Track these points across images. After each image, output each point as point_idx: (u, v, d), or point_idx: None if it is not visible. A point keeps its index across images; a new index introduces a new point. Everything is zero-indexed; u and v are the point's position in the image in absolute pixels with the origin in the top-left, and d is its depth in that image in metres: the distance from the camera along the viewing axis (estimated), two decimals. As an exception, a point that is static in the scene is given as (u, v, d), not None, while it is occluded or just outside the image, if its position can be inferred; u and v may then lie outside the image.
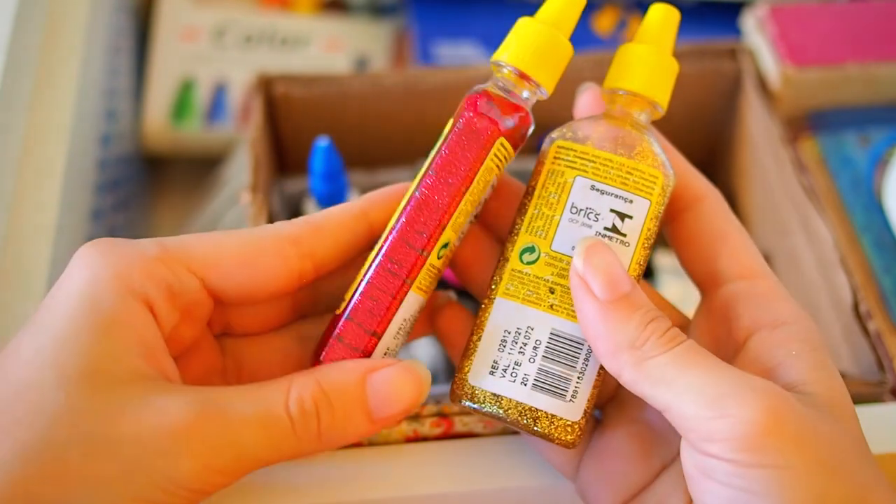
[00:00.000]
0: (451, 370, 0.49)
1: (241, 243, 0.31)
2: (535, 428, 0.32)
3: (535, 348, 0.32)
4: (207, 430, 0.28)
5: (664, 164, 0.34)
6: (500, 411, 0.32)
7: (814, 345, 0.32)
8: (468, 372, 0.32)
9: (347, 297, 0.32)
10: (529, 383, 0.32)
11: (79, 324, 0.28)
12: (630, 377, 0.30)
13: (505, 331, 0.32)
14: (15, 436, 0.27)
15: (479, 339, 0.33)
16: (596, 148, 0.34)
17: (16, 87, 0.46)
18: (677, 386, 0.29)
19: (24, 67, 0.47)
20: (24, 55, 0.47)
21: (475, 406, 0.32)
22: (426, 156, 0.54)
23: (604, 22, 0.63)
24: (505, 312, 0.32)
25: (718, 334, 0.34)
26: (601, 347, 0.31)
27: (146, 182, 0.66)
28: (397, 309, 0.31)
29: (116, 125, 0.57)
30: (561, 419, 0.32)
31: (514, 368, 0.32)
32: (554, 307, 0.32)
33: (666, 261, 0.53)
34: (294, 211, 0.50)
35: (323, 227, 0.32)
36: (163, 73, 0.63)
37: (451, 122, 0.33)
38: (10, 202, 0.43)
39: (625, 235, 0.32)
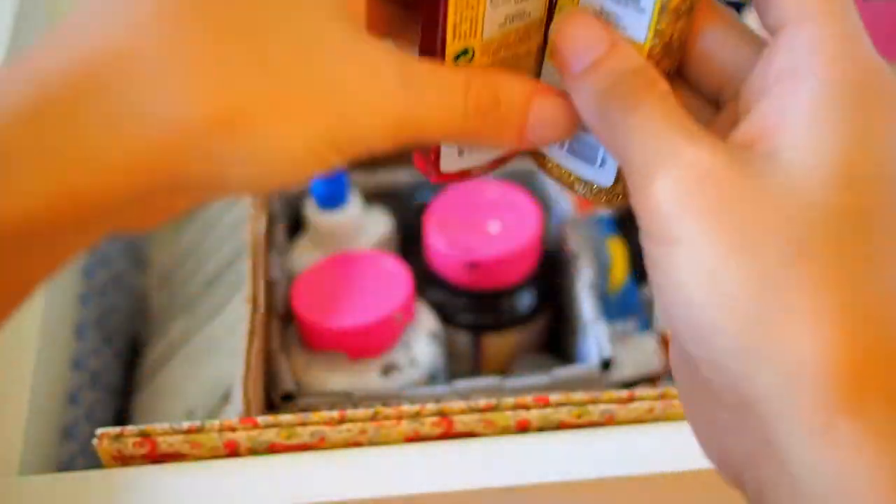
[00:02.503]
0: (451, 370, 0.49)
1: None
2: (576, 189, 0.31)
3: None
4: (399, 101, 0.27)
5: None
6: (547, 172, 0.32)
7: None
8: None
9: None
10: (565, 147, 0.31)
11: None
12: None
13: None
14: None
15: None
16: None
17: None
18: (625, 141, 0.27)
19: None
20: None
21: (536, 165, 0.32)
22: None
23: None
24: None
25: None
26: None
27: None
28: None
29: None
30: (594, 184, 0.31)
31: None
32: None
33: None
34: (294, 211, 0.50)
35: None
36: (163, 73, 0.63)
37: None
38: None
39: None
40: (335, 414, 0.37)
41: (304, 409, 0.41)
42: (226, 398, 0.45)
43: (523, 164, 0.51)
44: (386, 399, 0.41)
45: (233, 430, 0.37)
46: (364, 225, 0.49)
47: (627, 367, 0.48)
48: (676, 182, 0.25)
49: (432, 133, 0.29)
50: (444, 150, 0.34)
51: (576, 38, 0.28)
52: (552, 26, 0.30)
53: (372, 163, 0.53)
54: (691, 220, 0.25)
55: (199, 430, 0.36)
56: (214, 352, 0.46)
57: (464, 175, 0.35)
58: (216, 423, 0.37)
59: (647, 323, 0.50)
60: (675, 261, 0.25)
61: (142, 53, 0.23)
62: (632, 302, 0.50)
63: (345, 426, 0.37)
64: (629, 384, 0.48)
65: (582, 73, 0.28)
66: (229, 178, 0.25)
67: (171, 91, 0.24)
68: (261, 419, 0.37)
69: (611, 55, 0.28)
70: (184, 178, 0.24)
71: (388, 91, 0.27)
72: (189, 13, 0.24)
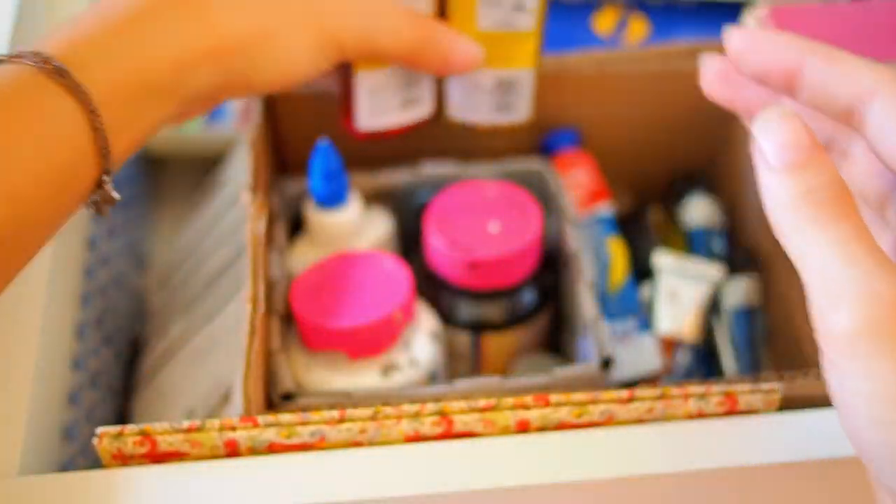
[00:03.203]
0: (451, 370, 0.49)
1: None
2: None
3: None
4: (362, 23, 0.43)
5: None
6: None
7: None
8: None
9: None
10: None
11: None
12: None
13: None
14: None
15: None
16: None
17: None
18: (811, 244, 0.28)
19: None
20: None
21: None
22: (427, 156, 0.54)
23: (604, 22, 0.63)
24: None
25: None
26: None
27: (146, 182, 0.65)
28: None
29: (116, 125, 0.57)
30: None
31: None
32: None
33: (667, 260, 0.53)
34: (295, 212, 0.50)
35: None
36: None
37: None
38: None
39: None
40: (335, 413, 0.37)
41: (304, 409, 0.41)
42: (226, 398, 0.45)
43: (523, 164, 0.51)
44: (386, 399, 0.41)
45: (233, 429, 0.37)
46: (364, 225, 0.49)
47: (627, 366, 0.48)
48: (868, 317, 0.26)
49: (386, 50, 0.44)
50: (360, 110, 0.47)
51: (781, 134, 0.30)
52: (759, 117, 0.31)
53: (372, 163, 0.53)
54: (884, 358, 0.25)
55: (199, 429, 0.36)
56: (214, 352, 0.46)
57: (379, 134, 0.49)
58: (216, 422, 0.37)
59: (646, 323, 0.50)
60: (866, 397, 0.26)
61: None
62: (631, 302, 0.50)
63: (345, 426, 0.37)
64: (629, 384, 0.48)
65: (780, 170, 0.29)
66: (260, 71, 0.40)
67: (228, 13, 0.39)
68: (261, 418, 0.37)
69: (811, 162, 0.29)
70: (234, 66, 0.40)
71: (354, 16, 0.42)
72: None
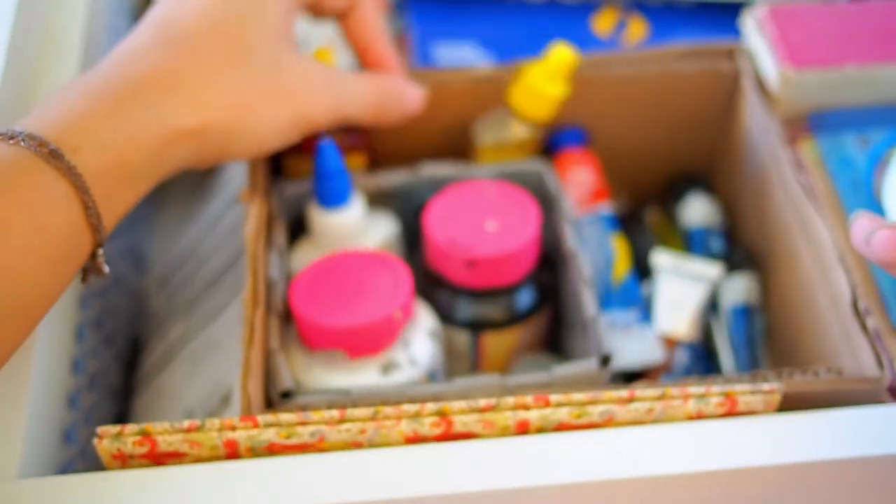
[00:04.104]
0: (450, 369, 0.49)
1: None
2: None
3: None
4: (327, 98, 0.46)
5: None
6: None
7: None
8: None
9: None
10: None
11: None
12: None
13: None
14: None
15: None
16: None
17: (15, 88, 0.46)
18: None
19: (24, 68, 0.47)
20: (24, 56, 0.47)
21: None
22: (427, 158, 0.54)
23: (603, 23, 0.63)
24: None
25: None
26: None
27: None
28: None
29: (116, 126, 0.57)
30: None
31: None
32: None
33: (666, 260, 0.53)
34: (295, 213, 0.50)
35: None
36: (162, 75, 0.63)
37: None
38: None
39: None
40: (335, 413, 0.37)
41: (304, 408, 0.41)
42: (225, 400, 0.45)
43: (522, 165, 0.51)
44: (385, 397, 0.41)
45: (233, 428, 0.37)
46: (368, 226, 0.49)
47: (629, 356, 0.48)
48: None
49: (354, 117, 0.48)
50: None
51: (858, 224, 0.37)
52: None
53: (372, 163, 0.53)
54: None
55: (198, 429, 0.36)
56: (214, 354, 0.46)
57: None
58: (216, 421, 0.37)
59: (647, 315, 0.50)
60: None
61: (191, 73, 0.42)
62: (633, 294, 0.50)
63: (344, 426, 0.37)
64: (630, 374, 0.48)
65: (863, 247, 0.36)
66: (237, 143, 0.43)
67: (211, 93, 0.42)
68: (261, 418, 0.37)
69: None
70: (214, 140, 0.42)
71: (322, 94, 0.46)
72: (211, 54, 0.43)
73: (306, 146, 0.50)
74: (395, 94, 0.49)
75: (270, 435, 0.37)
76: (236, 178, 0.53)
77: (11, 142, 0.37)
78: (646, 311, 0.50)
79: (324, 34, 0.65)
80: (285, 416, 0.37)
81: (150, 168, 0.41)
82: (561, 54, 0.51)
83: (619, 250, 0.51)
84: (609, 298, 0.50)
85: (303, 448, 0.37)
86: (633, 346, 0.48)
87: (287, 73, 0.44)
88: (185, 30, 0.42)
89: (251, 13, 0.44)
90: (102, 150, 0.38)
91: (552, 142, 0.55)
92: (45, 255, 0.36)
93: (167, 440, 0.36)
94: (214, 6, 0.43)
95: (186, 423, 0.36)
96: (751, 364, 0.50)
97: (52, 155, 0.37)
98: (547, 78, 0.51)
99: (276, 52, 0.44)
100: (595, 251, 0.51)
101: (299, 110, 0.45)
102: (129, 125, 0.39)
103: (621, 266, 0.51)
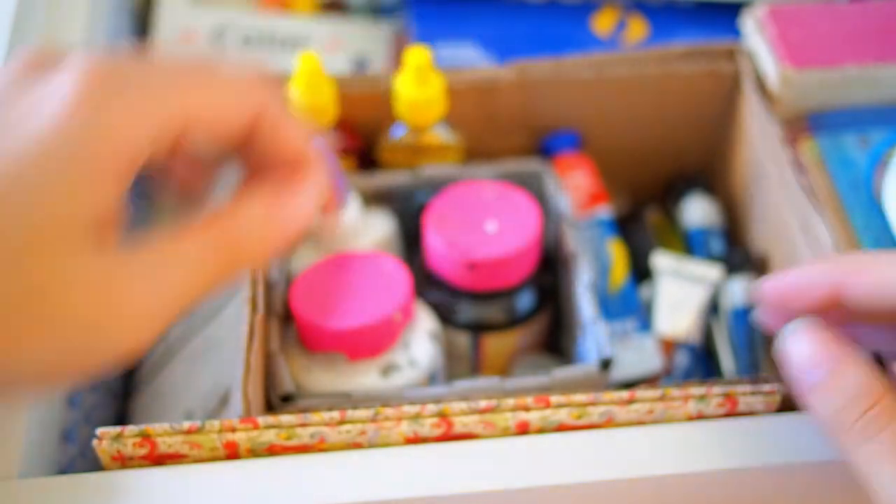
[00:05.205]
0: (450, 371, 0.49)
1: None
2: None
3: None
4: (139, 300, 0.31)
5: None
6: None
7: None
8: None
9: None
10: None
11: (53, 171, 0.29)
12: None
13: None
14: None
15: None
16: None
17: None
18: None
19: (23, 69, 0.47)
20: (23, 56, 0.47)
21: None
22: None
23: (603, 22, 0.63)
24: None
25: None
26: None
27: (145, 183, 0.65)
28: None
29: (115, 126, 0.57)
30: None
31: None
32: None
33: (666, 262, 0.53)
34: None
35: None
36: (162, 74, 0.63)
37: None
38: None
39: None
40: (335, 415, 0.37)
41: (304, 410, 0.41)
42: (225, 400, 0.45)
43: (522, 165, 0.51)
44: (385, 400, 0.41)
45: (233, 430, 0.37)
46: (365, 226, 0.49)
47: (628, 367, 0.48)
48: None
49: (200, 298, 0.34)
50: None
51: (802, 358, 0.33)
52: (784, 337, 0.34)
53: (365, 167, 0.53)
54: None
55: (198, 431, 0.36)
56: (213, 354, 0.46)
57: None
58: (216, 423, 0.37)
59: (646, 323, 0.50)
60: None
61: None
62: (631, 302, 0.50)
63: (345, 427, 0.37)
64: (629, 384, 0.48)
65: (809, 392, 0.32)
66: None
67: None
68: (261, 419, 0.37)
69: (833, 380, 0.32)
70: None
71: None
72: None
73: None
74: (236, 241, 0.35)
75: (270, 436, 0.37)
76: (235, 177, 0.53)
77: None
78: (644, 317, 0.50)
79: (324, 34, 0.65)
80: (286, 418, 0.37)
81: None
82: (414, 56, 0.49)
83: (616, 256, 0.51)
84: (606, 307, 0.50)
85: (303, 449, 0.37)
86: (631, 356, 0.48)
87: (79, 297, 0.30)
88: None
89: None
90: None
91: (545, 147, 0.55)
92: None
93: (167, 442, 0.36)
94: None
95: (186, 425, 0.36)
96: (751, 366, 0.50)
97: None
98: (413, 84, 0.49)
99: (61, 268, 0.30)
100: (592, 257, 0.51)
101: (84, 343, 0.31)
102: None
103: (619, 272, 0.51)
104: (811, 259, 0.36)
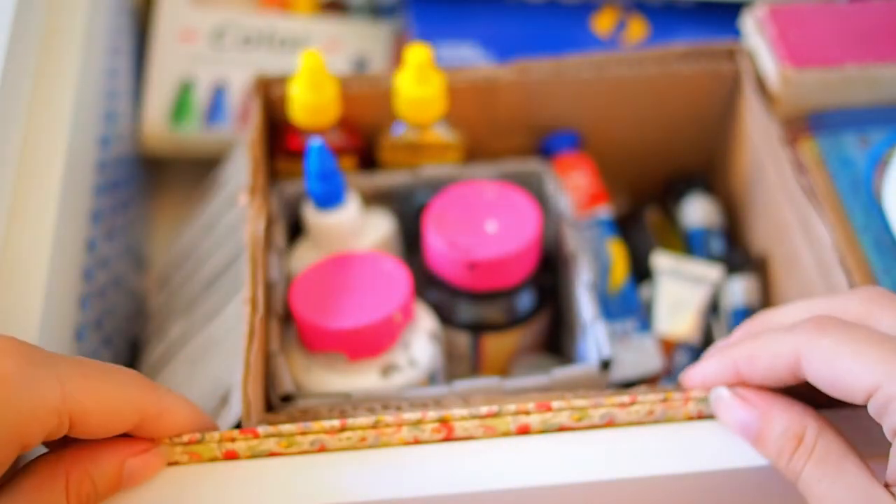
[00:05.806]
0: (450, 371, 0.49)
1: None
2: None
3: None
4: None
5: None
6: None
7: None
8: None
9: None
10: None
11: None
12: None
13: None
14: None
15: None
16: None
17: (14, 88, 0.46)
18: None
19: (23, 68, 0.47)
20: (23, 56, 0.47)
21: None
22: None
23: (603, 23, 0.63)
24: None
25: None
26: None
27: (145, 183, 0.65)
28: None
29: (115, 126, 0.57)
30: None
31: None
32: None
33: (666, 262, 0.53)
34: (294, 212, 0.50)
35: None
36: (162, 75, 0.63)
37: None
38: (8, 204, 0.43)
39: None
40: (336, 423, 0.37)
41: (304, 411, 0.41)
42: (225, 400, 0.45)
43: (522, 165, 0.51)
44: (385, 400, 0.41)
45: (232, 440, 0.37)
46: (364, 225, 0.49)
47: (628, 367, 0.48)
48: None
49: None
50: None
51: (735, 421, 0.37)
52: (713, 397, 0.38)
53: (370, 164, 0.53)
54: None
55: (198, 442, 0.36)
56: (214, 353, 0.46)
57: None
58: (216, 434, 0.37)
59: (646, 324, 0.50)
60: None
61: None
62: (631, 303, 0.50)
63: (345, 434, 0.37)
64: (629, 384, 0.48)
65: (755, 445, 0.36)
66: None
67: None
68: (261, 429, 0.37)
69: (765, 427, 0.36)
70: None
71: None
72: None
73: (297, 148, 0.49)
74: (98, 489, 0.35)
75: (270, 445, 0.37)
76: (236, 177, 0.53)
77: None
78: (644, 317, 0.50)
79: (324, 34, 0.65)
80: (286, 427, 0.37)
81: None
82: (415, 54, 0.49)
83: (616, 256, 0.51)
84: (606, 307, 0.49)
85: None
86: (631, 356, 0.48)
87: None
88: None
89: None
90: None
91: (545, 147, 0.55)
92: None
93: (167, 454, 0.36)
94: None
95: (186, 437, 0.36)
96: (751, 365, 0.50)
97: None
98: (413, 81, 0.49)
99: None
100: (592, 257, 0.51)
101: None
102: None
103: (619, 273, 0.51)
104: (710, 350, 0.40)
